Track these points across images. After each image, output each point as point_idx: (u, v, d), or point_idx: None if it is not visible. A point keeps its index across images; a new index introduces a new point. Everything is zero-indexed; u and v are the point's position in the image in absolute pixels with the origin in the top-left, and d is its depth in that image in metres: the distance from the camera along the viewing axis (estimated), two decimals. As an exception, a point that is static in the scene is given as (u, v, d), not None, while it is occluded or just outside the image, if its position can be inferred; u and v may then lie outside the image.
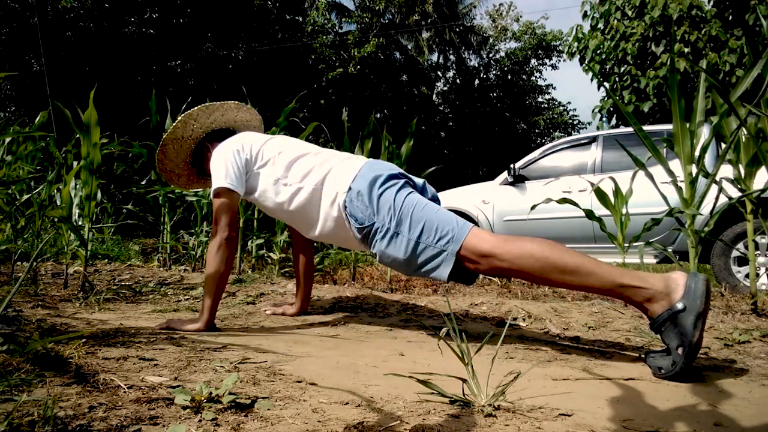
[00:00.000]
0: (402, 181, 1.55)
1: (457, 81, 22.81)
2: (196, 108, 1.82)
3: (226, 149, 1.71)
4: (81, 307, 2.01)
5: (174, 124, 1.81)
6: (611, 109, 9.42)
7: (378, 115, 18.16)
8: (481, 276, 2.59)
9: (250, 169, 1.70)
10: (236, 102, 1.91)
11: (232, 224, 1.63)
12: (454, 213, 1.50)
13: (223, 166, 1.66)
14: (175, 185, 2.05)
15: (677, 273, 1.20)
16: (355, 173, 1.56)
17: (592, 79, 10.35)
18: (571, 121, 23.22)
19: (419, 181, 1.64)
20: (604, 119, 9.65)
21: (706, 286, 1.15)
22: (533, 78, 23.40)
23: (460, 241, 1.38)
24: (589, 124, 23.24)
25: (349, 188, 1.54)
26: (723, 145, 2.01)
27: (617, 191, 2.38)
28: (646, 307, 1.21)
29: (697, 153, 2.04)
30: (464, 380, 0.93)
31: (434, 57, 22.45)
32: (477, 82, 22.61)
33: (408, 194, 1.51)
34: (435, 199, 1.64)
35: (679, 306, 1.15)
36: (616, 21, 9.18)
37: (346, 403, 0.89)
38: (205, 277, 1.62)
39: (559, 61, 22.98)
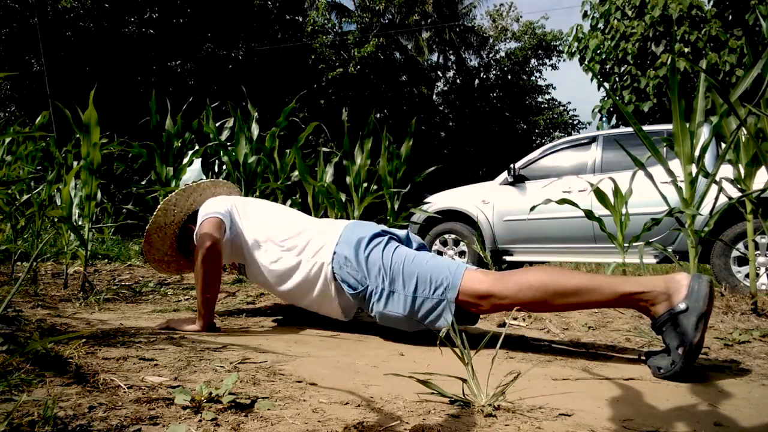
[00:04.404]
0: (386, 238, 1.55)
1: (457, 81, 22.81)
2: (173, 194, 1.83)
3: (212, 200, 1.75)
4: (81, 307, 2.01)
5: (154, 213, 1.81)
6: (611, 109, 9.42)
7: (378, 115, 18.16)
8: None
9: (235, 226, 1.69)
10: (212, 180, 1.95)
11: (213, 244, 1.56)
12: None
13: (212, 206, 1.69)
14: (166, 273, 2.04)
15: (681, 274, 1.20)
16: (337, 239, 1.56)
17: (592, 79, 10.36)
18: (571, 121, 23.21)
19: (402, 233, 1.63)
20: (604, 119, 9.65)
21: (710, 287, 1.15)
22: (533, 78, 23.40)
23: (457, 287, 1.38)
24: (589, 124, 23.25)
25: (334, 254, 1.54)
26: (723, 145, 2.01)
27: (617, 191, 2.39)
28: (649, 309, 1.21)
29: (697, 153, 2.04)
30: (464, 380, 0.93)
31: (434, 57, 22.47)
32: (477, 82, 22.61)
33: (395, 250, 1.50)
34: (421, 247, 1.63)
35: (682, 306, 1.15)
36: (616, 21, 9.18)
37: (346, 403, 0.89)
38: (198, 280, 1.57)
39: (559, 61, 23.00)
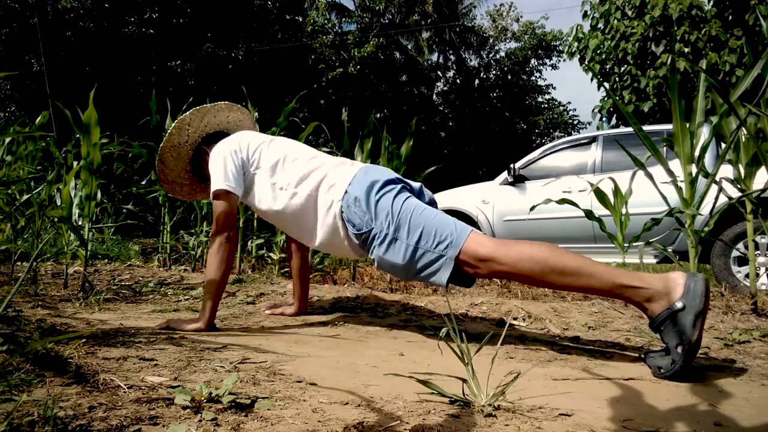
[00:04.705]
0: (399, 186, 1.55)
1: (457, 81, 22.80)
2: (188, 112, 1.82)
3: (223, 149, 1.72)
4: (81, 307, 2.01)
5: (169, 131, 1.82)
6: (611, 109, 9.42)
7: (378, 115, 18.15)
8: None
9: (247, 170, 1.71)
10: (227, 102, 1.92)
11: (231, 224, 1.64)
12: (452, 216, 1.50)
13: (222, 167, 1.67)
14: (179, 196, 2.05)
15: (676, 273, 1.21)
16: (351, 179, 1.56)
17: (592, 79, 10.36)
18: (571, 121, 23.21)
19: (416, 185, 1.63)
20: (604, 119, 9.65)
21: (706, 285, 1.16)
22: (533, 78, 23.39)
23: (459, 246, 1.38)
24: (589, 124, 23.24)
25: (345, 193, 1.54)
26: (723, 145, 2.01)
27: (617, 191, 2.38)
28: (646, 307, 1.21)
29: (697, 153, 2.04)
30: (464, 380, 0.93)
31: (434, 57, 22.46)
32: (477, 82, 22.61)
33: (405, 199, 1.51)
34: (432, 203, 1.63)
35: (679, 305, 1.15)
36: (616, 21, 9.18)
37: (346, 403, 0.89)
38: (206, 278, 1.62)
39: (559, 61, 22.99)
